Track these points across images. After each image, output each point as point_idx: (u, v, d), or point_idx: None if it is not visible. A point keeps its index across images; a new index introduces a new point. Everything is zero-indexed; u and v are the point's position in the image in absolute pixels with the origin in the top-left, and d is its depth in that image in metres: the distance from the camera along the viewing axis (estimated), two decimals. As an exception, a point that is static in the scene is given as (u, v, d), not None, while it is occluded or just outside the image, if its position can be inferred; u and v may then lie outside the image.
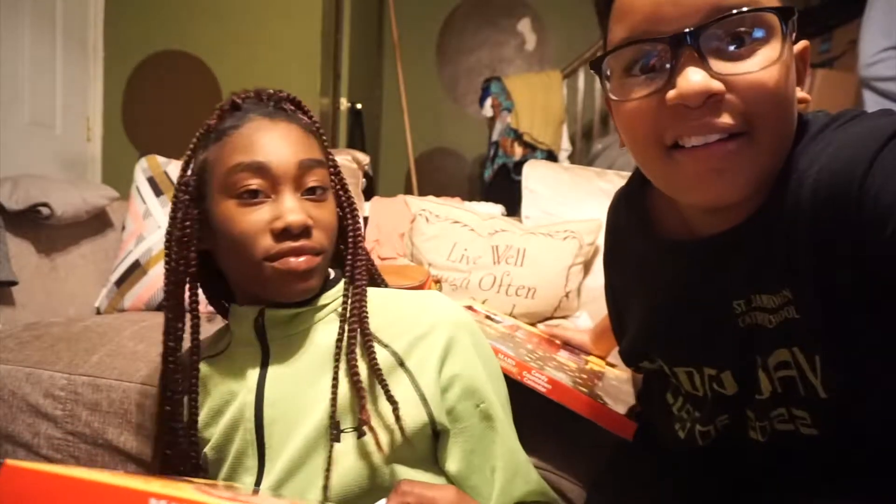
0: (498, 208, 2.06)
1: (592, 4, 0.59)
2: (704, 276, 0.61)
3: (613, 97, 0.55)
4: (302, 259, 0.66)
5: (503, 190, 2.99)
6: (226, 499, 0.32)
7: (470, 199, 2.07)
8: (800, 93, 0.55)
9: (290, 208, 0.65)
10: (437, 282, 1.59)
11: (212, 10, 2.89)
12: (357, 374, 0.67)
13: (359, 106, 3.30)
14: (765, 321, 0.58)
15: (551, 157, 3.22)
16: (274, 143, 0.67)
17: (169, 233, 0.71)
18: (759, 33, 0.50)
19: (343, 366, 0.67)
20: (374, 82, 4.02)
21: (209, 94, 2.91)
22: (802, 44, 0.56)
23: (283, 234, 0.65)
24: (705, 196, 0.54)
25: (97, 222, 1.72)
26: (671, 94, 0.50)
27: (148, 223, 1.58)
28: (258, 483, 0.68)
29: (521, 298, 1.56)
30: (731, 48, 0.50)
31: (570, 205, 1.78)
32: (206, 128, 0.71)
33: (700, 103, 0.49)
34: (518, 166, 3.02)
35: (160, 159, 1.69)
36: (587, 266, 1.65)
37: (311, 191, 0.68)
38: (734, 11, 0.49)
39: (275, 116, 0.69)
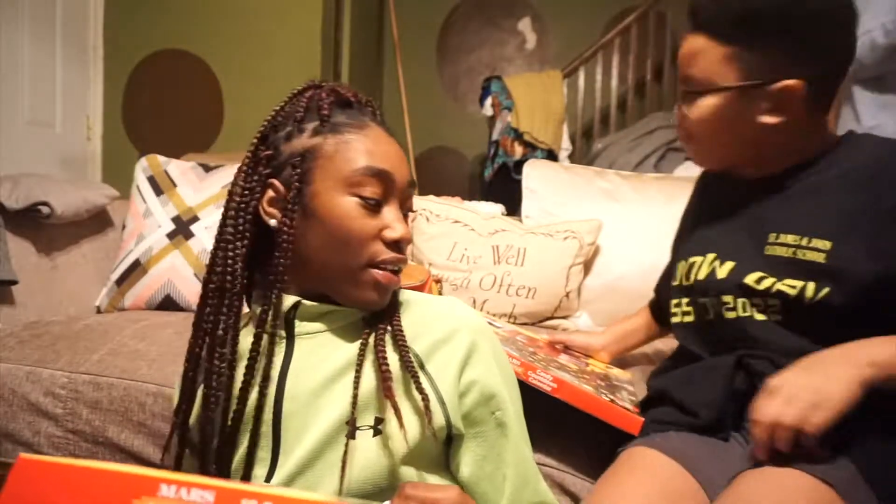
0: (498, 208, 2.06)
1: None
2: (750, 205, 0.90)
3: None
4: (395, 276, 0.69)
5: (503, 189, 2.99)
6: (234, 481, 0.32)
7: (470, 199, 2.06)
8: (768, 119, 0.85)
9: (401, 222, 0.69)
10: (438, 281, 1.59)
11: (212, 10, 2.89)
12: (386, 362, 0.67)
13: (359, 105, 3.29)
14: (782, 252, 0.83)
15: (551, 156, 3.21)
16: (396, 157, 0.70)
17: (243, 205, 0.69)
18: (698, 95, 0.87)
19: (369, 358, 0.68)
20: (374, 81, 4.02)
21: (209, 93, 2.91)
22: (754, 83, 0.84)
23: (393, 244, 0.68)
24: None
25: (97, 221, 1.72)
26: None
27: (148, 222, 1.58)
28: (270, 475, 0.68)
29: (521, 298, 1.56)
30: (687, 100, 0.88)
31: (571, 205, 1.78)
32: (303, 111, 0.70)
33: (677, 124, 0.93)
34: (518, 165, 3.01)
35: (160, 158, 1.69)
36: (587, 266, 1.65)
37: (407, 209, 0.72)
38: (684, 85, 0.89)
39: (386, 129, 0.72)
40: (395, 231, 0.68)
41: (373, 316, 0.70)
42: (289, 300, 0.70)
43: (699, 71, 0.85)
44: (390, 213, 0.69)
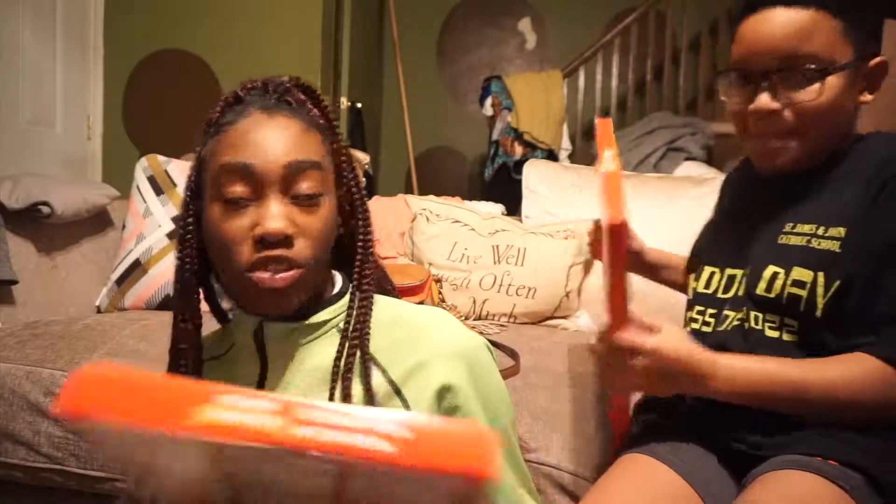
0: (498, 208, 2.06)
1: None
2: (774, 204, 0.86)
3: (724, 94, 0.85)
4: (278, 276, 0.61)
5: (503, 189, 2.99)
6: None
7: (470, 199, 2.07)
8: (865, 97, 0.81)
9: (270, 214, 0.60)
10: (438, 281, 1.59)
11: (212, 9, 2.89)
12: (350, 397, 0.63)
13: (359, 105, 3.29)
14: (796, 241, 0.80)
15: (552, 156, 3.21)
16: (265, 142, 0.62)
17: (177, 229, 0.68)
18: (809, 77, 0.77)
19: (339, 386, 0.64)
20: (374, 81, 4.01)
21: (209, 93, 2.91)
22: (870, 63, 0.79)
23: (262, 242, 0.60)
24: (761, 166, 0.85)
25: (97, 221, 1.72)
26: (752, 106, 0.80)
27: (148, 222, 1.58)
28: None
29: (521, 298, 1.56)
30: (791, 83, 0.78)
31: (571, 205, 1.78)
32: (206, 121, 0.66)
33: (765, 114, 0.80)
34: (518, 165, 3.01)
35: (160, 158, 1.69)
36: (587, 266, 1.65)
37: (300, 196, 0.62)
38: (794, 64, 0.77)
39: (274, 111, 0.64)
40: (260, 227, 0.60)
41: (346, 330, 0.65)
42: (251, 322, 0.67)
43: (819, 48, 0.75)
44: (266, 206, 0.61)
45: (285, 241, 0.61)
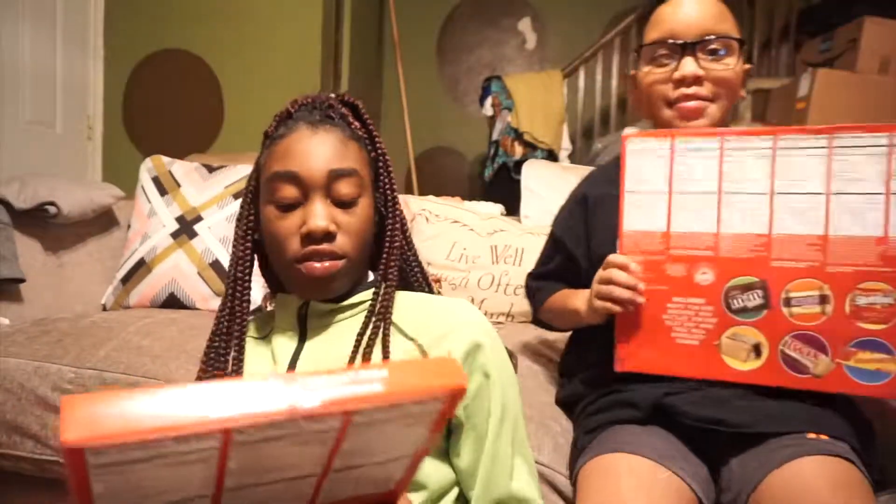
0: (497, 208, 2.08)
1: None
2: None
3: (644, 70, 0.97)
4: (320, 265, 0.71)
5: (503, 189, 3.00)
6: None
7: (470, 199, 2.08)
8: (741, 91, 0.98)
9: (315, 214, 0.70)
10: (437, 281, 1.61)
11: (213, 10, 2.91)
12: (387, 352, 0.71)
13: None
14: None
15: (551, 156, 3.23)
16: (308, 153, 0.72)
17: (235, 226, 0.79)
18: (723, 52, 0.93)
19: (360, 355, 0.71)
20: (374, 82, 4.03)
21: (209, 94, 2.93)
22: (746, 66, 0.98)
23: (308, 237, 0.70)
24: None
25: (103, 221, 1.74)
26: (677, 73, 0.93)
27: (153, 222, 1.60)
28: None
29: (519, 298, 1.58)
30: (711, 56, 0.93)
31: (569, 204, 1.80)
32: (265, 133, 0.77)
33: (691, 81, 0.93)
34: (518, 165, 3.02)
35: (165, 159, 1.71)
36: (585, 264, 1.67)
37: (340, 198, 0.72)
38: (713, 37, 0.93)
39: (318, 125, 0.73)
40: (306, 225, 0.70)
41: (370, 312, 0.73)
42: (296, 301, 0.76)
43: (730, 27, 0.93)
44: (310, 208, 0.71)
45: (329, 236, 0.71)
